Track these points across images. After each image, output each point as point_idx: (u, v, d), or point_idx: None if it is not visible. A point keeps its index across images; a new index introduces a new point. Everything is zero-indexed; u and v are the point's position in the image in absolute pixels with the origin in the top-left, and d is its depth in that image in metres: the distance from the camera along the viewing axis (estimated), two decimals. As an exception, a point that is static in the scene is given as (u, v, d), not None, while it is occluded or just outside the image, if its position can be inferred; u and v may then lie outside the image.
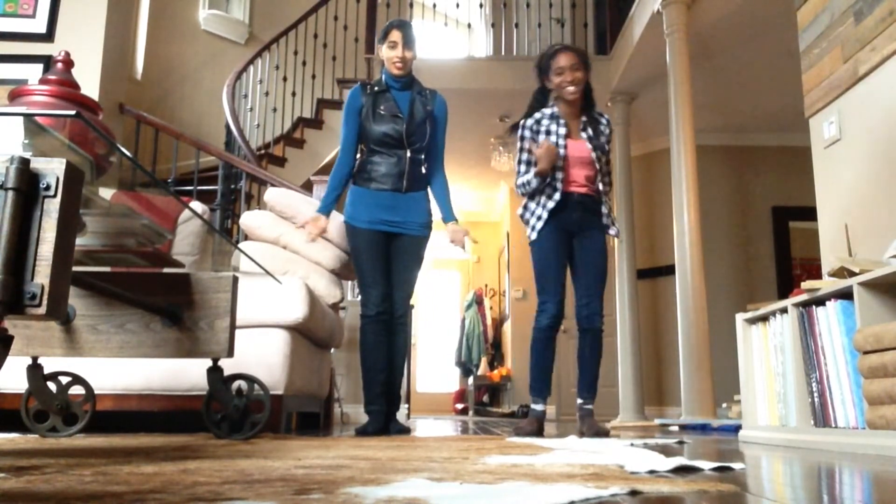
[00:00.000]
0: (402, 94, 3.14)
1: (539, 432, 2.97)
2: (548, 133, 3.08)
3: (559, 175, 3.04)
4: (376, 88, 3.14)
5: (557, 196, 3.02)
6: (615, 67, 6.24)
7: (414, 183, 3.10)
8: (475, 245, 3.24)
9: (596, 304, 3.08)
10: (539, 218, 3.08)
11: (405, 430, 3.00)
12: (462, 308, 9.37)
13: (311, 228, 3.04)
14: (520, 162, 3.14)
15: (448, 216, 3.18)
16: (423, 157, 3.14)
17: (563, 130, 3.08)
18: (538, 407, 3.07)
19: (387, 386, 3.00)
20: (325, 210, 3.08)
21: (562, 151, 3.03)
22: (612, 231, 3.14)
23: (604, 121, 3.19)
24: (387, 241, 3.07)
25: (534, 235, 3.09)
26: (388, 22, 3.19)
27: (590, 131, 3.11)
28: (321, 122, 6.33)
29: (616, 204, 6.36)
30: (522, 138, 3.12)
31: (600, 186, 3.11)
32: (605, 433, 2.83)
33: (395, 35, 3.09)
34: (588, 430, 2.90)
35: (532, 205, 3.12)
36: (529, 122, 3.12)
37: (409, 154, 3.08)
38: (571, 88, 3.05)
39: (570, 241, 3.10)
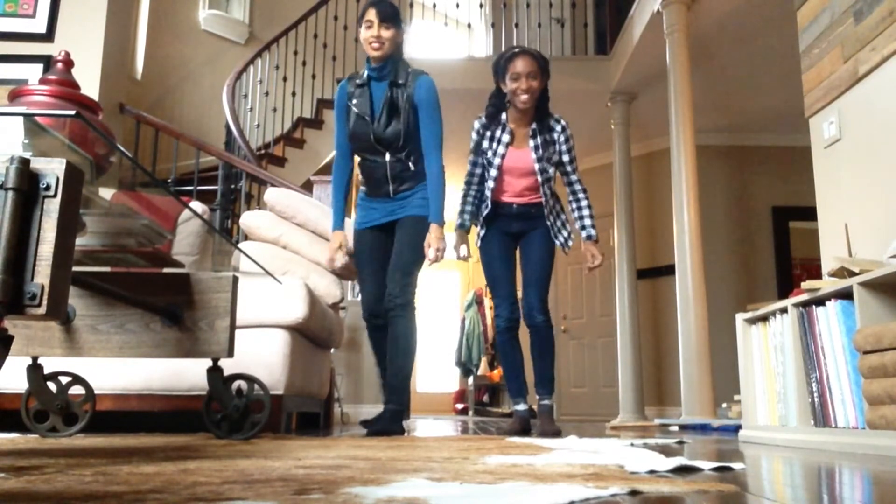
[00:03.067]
0: (379, 87, 2.87)
1: (524, 432, 2.97)
2: (492, 139, 3.06)
3: (490, 185, 3.06)
4: (358, 81, 2.92)
5: (487, 207, 3.07)
6: (615, 67, 6.24)
7: (402, 184, 2.87)
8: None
9: (534, 300, 3.03)
10: (483, 226, 3.12)
11: (389, 431, 2.73)
12: (462, 308, 9.36)
13: (333, 255, 2.92)
14: (470, 154, 3.15)
15: (432, 215, 2.82)
16: (405, 155, 2.85)
17: (506, 138, 3.03)
18: (520, 407, 3.09)
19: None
20: (338, 225, 2.94)
21: (497, 161, 3.02)
22: (557, 240, 3.08)
23: (558, 127, 3.07)
24: (386, 239, 2.91)
25: (478, 242, 3.14)
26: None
27: (539, 140, 3.03)
28: (321, 122, 6.33)
29: (616, 204, 6.35)
30: (473, 131, 3.12)
31: (546, 193, 3.05)
32: (555, 433, 2.77)
33: (370, 13, 2.82)
34: (538, 429, 2.87)
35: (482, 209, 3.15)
36: (477, 124, 3.12)
37: (388, 157, 2.84)
38: (524, 97, 2.95)
39: (515, 243, 3.13)
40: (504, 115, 3.07)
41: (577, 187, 3.13)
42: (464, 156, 3.21)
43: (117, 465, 1.23)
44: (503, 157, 3.03)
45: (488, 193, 3.08)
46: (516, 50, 3.04)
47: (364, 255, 2.93)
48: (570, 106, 6.72)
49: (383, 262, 2.89)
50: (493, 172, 3.05)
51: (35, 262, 1.18)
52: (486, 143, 3.08)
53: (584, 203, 3.11)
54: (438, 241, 2.78)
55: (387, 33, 2.82)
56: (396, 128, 2.82)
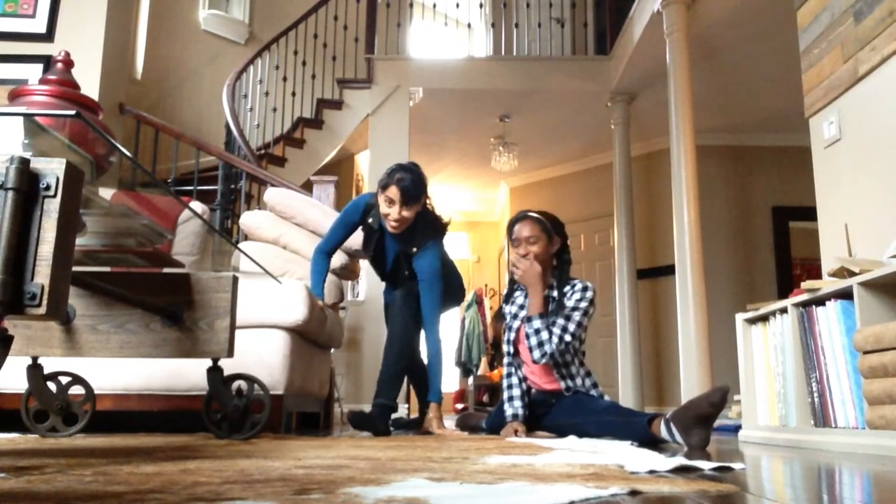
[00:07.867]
0: (391, 243, 2.95)
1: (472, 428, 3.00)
2: (521, 307, 2.78)
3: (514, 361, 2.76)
4: (370, 221, 2.94)
5: (519, 391, 2.71)
6: (615, 67, 6.24)
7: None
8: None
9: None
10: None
11: (375, 429, 2.75)
12: (462, 308, 9.36)
13: None
14: (504, 342, 2.85)
15: (431, 394, 2.86)
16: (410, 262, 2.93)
17: (522, 300, 2.80)
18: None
19: None
20: (317, 294, 2.94)
21: (515, 323, 2.77)
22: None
23: (577, 287, 2.68)
24: None
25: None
26: (393, 169, 2.84)
27: (551, 306, 2.68)
28: (321, 122, 6.33)
29: (616, 204, 6.35)
30: (504, 321, 2.86)
31: (561, 362, 2.71)
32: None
33: (394, 192, 2.78)
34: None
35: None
36: (506, 308, 2.84)
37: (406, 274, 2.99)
38: (518, 267, 2.68)
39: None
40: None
41: (576, 346, 2.71)
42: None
43: (117, 465, 1.23)
44: (516, 316, 2.77)
45: (522, 383, 2.76)
46: (521, 214, 2.82)
47: None
48: (571, 106, 6.73)
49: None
50: (511, 335, 2.77)
51: (35, 262, 1.18)
52: (512, 319, 2.80)
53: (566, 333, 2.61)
54: (439, 422, 2.84)
55: (408, 213, 2.82)
56: (402, 266, 2.96)
